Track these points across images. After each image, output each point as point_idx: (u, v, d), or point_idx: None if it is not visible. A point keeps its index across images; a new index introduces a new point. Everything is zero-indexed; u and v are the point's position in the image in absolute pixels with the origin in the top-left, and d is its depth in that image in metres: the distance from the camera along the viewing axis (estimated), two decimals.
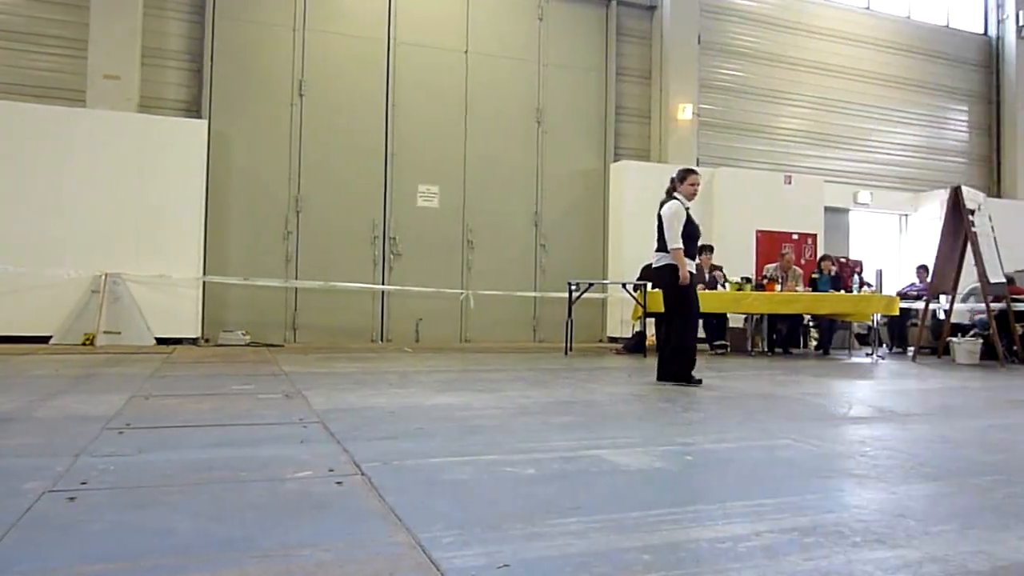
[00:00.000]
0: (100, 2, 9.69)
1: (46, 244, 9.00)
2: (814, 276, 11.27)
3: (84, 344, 8.87)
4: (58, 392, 4.91)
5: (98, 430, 3.52)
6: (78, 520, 2.14)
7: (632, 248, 11.30)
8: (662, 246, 6.12)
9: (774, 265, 10.97)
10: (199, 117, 10.19)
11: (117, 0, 9.76)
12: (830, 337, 11.17)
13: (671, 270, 6.04)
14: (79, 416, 3.94)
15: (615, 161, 12.30)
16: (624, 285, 10.24)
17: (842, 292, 10.58)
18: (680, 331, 6.08)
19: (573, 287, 10.01)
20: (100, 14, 9.69)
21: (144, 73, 10.09)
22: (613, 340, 11.69)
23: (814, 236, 12.76)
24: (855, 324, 11.21)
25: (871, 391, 6.28)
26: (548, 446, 3.40)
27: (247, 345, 9.76)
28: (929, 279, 10.32)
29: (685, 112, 12.47)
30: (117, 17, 9.76)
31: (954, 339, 9.90)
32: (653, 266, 6.28)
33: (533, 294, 11.73)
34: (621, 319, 11.49)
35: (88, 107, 9.54)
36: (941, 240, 9.88)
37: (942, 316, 11.02)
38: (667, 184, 6.43)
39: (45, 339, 8.90)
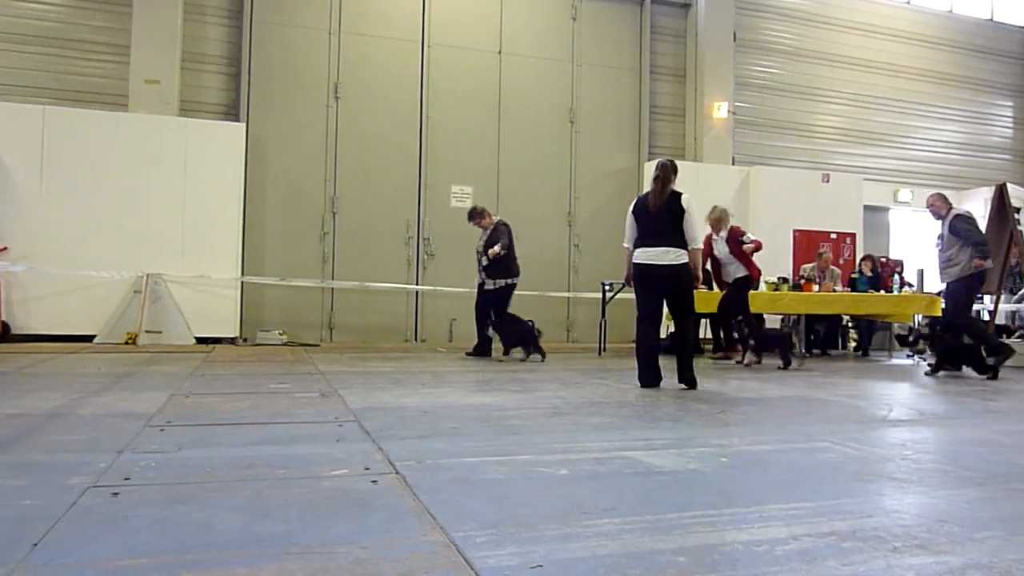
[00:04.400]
0: (142, 9, 9.91)
1: (89, 245, 9.22)
2: (853, 276, 11.09)
3: (126, 343, 9.07)
4: (102, 390, 5.02)
5: (140, 427, 3.60)
6: (121, 515, 2.18)
7: None
8: (681, 242, 5.72)
9: (811, 265, 10.82)
10: (237, 120, 10.36)
11: (158, 6, 9.97)
12: (869, 338, 10.98)
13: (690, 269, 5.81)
14: (122, 413, 4.03)
15: (649, 160, 12.22)
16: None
17: (882, 292, 10.39)
18: (690, 332, 6.01)
19: (607, 287, 9.97)
20: (141, 20, 9.91)
21: (184, 77, 10.29)
22: None
23: (853, 235, 12.56)
24: (895, 325, 11.00)
25: (912, 393, 6.16)
26: (582, 447, 3.40)
27: (284, 345, 9.89)
28: None
29: (720, 110, 12.36)
30: (158, 23, 9.97)
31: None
32: (673, 263, 5.68)
33: (566, 294, 11.71)
34: None
35: (130, 111, 9.76)
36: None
37: (986, 317, 10.77)
38: (668, 172, 5.84)
39: (89, 338, 9.12)
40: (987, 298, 10.47)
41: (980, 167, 14.80)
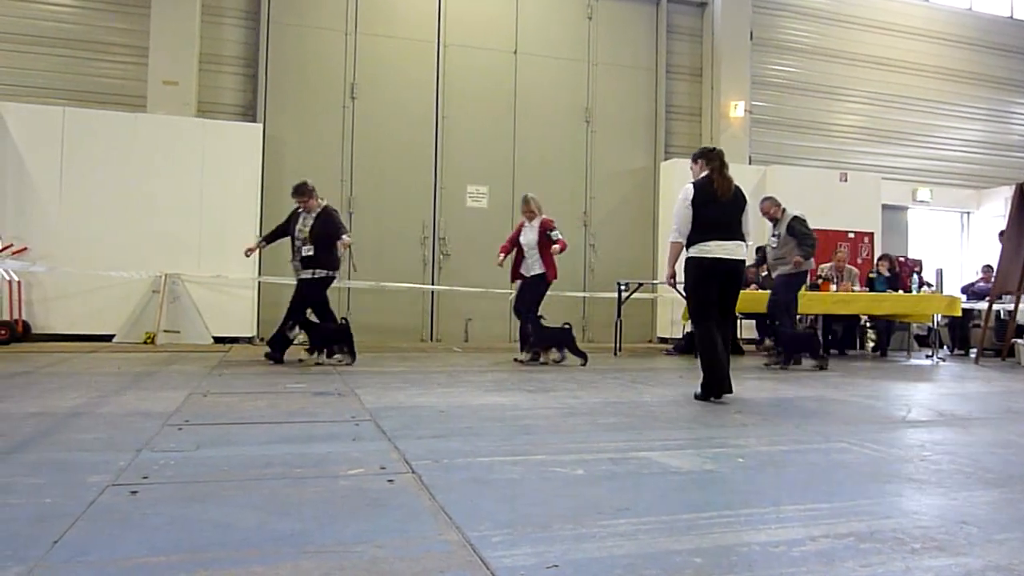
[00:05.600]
0: (160, 10, 9.99)
1: (108, 245, 9.30)
2: (871, 276, 11.01)
3: (145, 342, 9.15)
4: (121, 389, 5.07)
5: (158, 426, 3.63)
6: (140, 513, 2.21)
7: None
8: (743, 236, 5.37)
9: (829, 264, 10.74)
10: (254, 121, 10.42)
11: (176, 8, 10.04)
12: (888, 339, 10.90)
13: None
14: (141, 412, 4.07)
15: (665, 159, 12.19)
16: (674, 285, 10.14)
17: (900, 292, 10.30)
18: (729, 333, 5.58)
19: (622, 287, 9.95)
20: (160, 22, 9.99)
21: (202, 78, 10.36)
22: (663, 341, 11.59)
23: (871, 235, 12.45)
24: (914, 325, 10.92)
25: (931, 394, 6.10)
26: (597, 447, 3.39)
27: (300, 344, 9.91)
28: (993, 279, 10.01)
29: (737, 109, 12.30)
30: (175, 25, 10.04)
31: (1019, 341, 9.57)
32: (742, 258, 5.35)
33: (582, 294, 11.69)
34: (671, 319, 11.37)
35: (148, 112, 9.84)
36: (1005, 239, 9.55)
37: (1006, 317, 10.66)
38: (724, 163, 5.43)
39: (108, 338, 9.20)
40: (1007, 298, 10.35)
41: (1000, 165, 14.62)
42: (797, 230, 8.00)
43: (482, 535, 2.04)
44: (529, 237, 8.10)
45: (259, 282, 10.04)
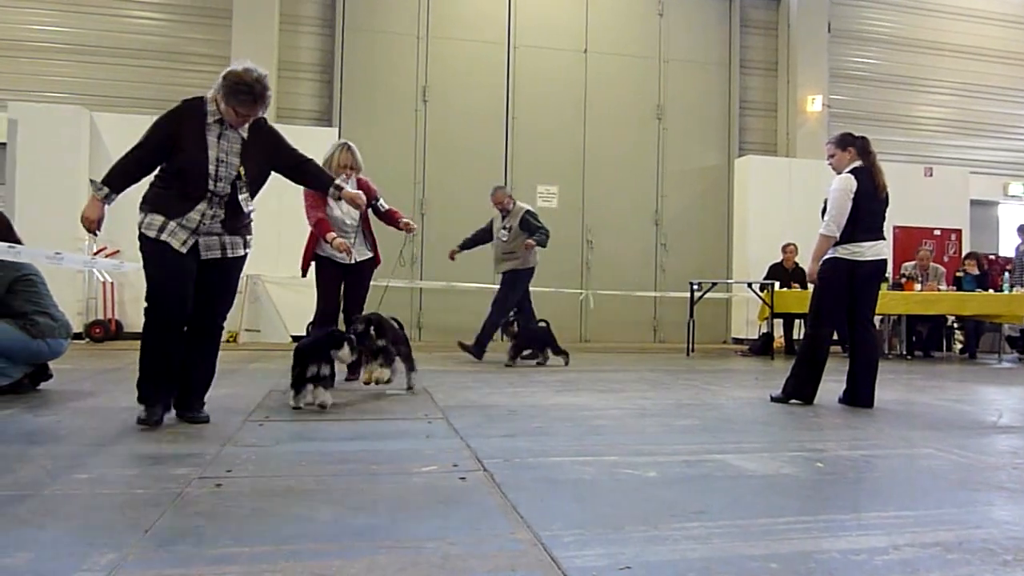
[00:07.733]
0: (241, 20, 10.36)
1: None
2: (958, 275, 10.54)
3: (227, 341, 9.48)
4: None
5: (240, 422, 3.76)
6: (224, 505, 2.29)
7: (758, 246, 10.97)
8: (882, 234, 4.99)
9: (912, 263, 10.35)
10: (330, 125, 10.69)
11: (256, 18, 10.40)
12: (977, 340, 10.41)
13: None
14: (224, 408, 4.22)
15: (740, 156, 11.95)
16: (750, 284, 9.93)
17: (990, 292, 9.83)
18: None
19: (695, 286, 9.80)
20: (240, 32, 10.36)
21: (280, 85, 10.68)
22: (738, 341, 11.36)
23: (958, 232, 11.93)
24: (1006, 326, 10.39)
25: None
26: (670, 449, 3.35)
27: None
28: None
29: (814, 104, 11.97)
30: (255, 34, 10.40)
31: None
32: (885, 257, 4.99)
33: (653, 294, 11.57)
34: (747, 320, 11.14)
35: None
36: None
37: None
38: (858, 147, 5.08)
39: None
40: None
41: None
42: (531, 224, 7.91)
43: (554, 535, 2.05)
44: (347, 209, 5.46)
45: None
